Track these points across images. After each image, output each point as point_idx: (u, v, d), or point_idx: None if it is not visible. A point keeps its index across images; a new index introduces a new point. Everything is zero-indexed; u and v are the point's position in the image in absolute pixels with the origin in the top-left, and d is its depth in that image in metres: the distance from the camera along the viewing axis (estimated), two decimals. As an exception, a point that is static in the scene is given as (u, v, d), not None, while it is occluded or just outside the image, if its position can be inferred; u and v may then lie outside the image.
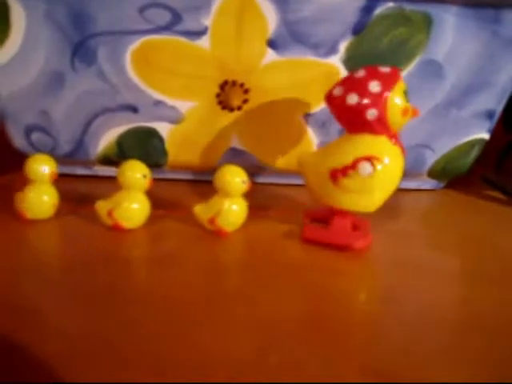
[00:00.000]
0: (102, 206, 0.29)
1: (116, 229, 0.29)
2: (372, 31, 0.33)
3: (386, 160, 0.27)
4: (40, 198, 0.29)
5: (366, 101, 0.26)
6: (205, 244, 0.28)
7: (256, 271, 0.26)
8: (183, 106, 0.34)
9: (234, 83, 0.33)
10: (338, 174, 0.27)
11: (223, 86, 0.33)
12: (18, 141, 0.35)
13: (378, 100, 0.26)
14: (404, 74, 0.34)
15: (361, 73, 0.27)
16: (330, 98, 0.28)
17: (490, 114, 0.36)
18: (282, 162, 0.36)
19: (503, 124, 0.42)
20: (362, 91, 0.26)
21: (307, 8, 0.31)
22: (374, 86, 0.26)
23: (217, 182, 0.29)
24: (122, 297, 0.22)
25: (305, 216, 0.32)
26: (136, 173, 0.29)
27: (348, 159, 0.27)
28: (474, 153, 0.38)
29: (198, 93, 0.34)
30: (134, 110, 0.34)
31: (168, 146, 0.35)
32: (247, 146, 0.36)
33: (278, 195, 0.37)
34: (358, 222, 0.30)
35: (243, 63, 0.33)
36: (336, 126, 0.35)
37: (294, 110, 0.35)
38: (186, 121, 0.34)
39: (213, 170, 0.29)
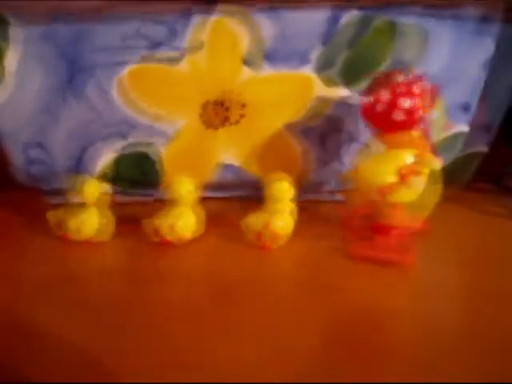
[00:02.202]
0: (149, 223, 0.31)
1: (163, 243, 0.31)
2: (340, 39, 0.34)
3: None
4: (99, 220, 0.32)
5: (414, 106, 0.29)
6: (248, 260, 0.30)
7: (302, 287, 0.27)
8: (170, 128, 0.36)
9: (214, 103, 0.35)
10: (407, 172, 0.29)
11: (205, 106, 0.35)
12: (18, 173, 0.37)
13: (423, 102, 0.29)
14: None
15: (400, 78, 0.31)
16: (398, 109, 0.29)
17: (465, 107, 0.37)
18: (269, 172, 0.38)
19: (504, 136, 0.42)
20: (411, 95, 0.29)
21: (276, 24, 0.34)
22: (417, 90, 0.30)
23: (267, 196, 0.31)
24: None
25: (348, 230, 0.32)
26: (185, 188, 0.31)
27: (409, 159, 0.30)
28: (458, 146, 0.39)
29: (182, 114, 0.36)
30: (124, 135, 0.36)
31: (160, 166, 0.37)
32: (236, 160, 0.37)
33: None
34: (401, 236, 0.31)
35: (221, 83, 0.35)
36: (317, 133, 0.37)
37: (274, 122, 0.36)
38: (174, 142, 0.37)
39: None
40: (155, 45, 0.34)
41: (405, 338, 0.22)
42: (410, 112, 0.29)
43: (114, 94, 0.35)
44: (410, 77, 0.31)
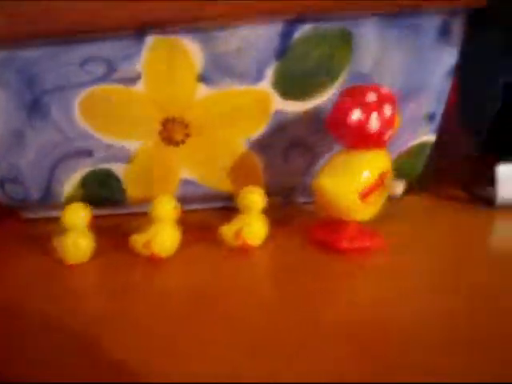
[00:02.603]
0: (137, 240, 0.32)
1: (153, 259, 0.32)
2: (295, 53, 0.34)
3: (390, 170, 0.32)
4: (79, 242, 0.32)
5: (383, 125, 0.30)
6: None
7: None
8: (132, 146, 0.37)
9: (173, 120, 0.36)
10: (368, 194, 0.30)
11: (164, 123, 0.36)
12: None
13: (391, 122, 0.30)
14: (334, 89, 0.35)
15: (372, 96, 0.30)
16: (348, 123, 0.30)
17: (430, 117, 0.37)
18: (231, 187, 0.38)
19: (483, 144, 0.41)
20: (382, 117, 0.30)
21: (230, 41, 0.34)
22: (388, 110, 0.30)
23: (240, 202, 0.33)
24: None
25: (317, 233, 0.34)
26: (167, 205, 0.32)
27: (372, 178, 0.30)
28: (424, 154, 0.38)
29: (142, 133, 0.36)
30: (89, 154, 0.37)
31: (125, 183, 0.38)
32: (197, 176, 0.38)
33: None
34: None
35: (178, 101, 0.35)
36: (279, 146, 0.37)
37: (234, 138, 0.36)
38: (136, 159, 0.37)
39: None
40: (112, 67, 0.34)
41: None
42: (377, 129, 0.30)
43: (77, 115, 0.36)
44: (379, 93, 0.31)
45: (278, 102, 0.35)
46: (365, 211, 0.31)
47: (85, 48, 0.34)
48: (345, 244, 0.32)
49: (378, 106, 0.30)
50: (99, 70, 0.35)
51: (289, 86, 0.35)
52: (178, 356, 0.22)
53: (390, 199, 0.33)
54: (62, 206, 0.39)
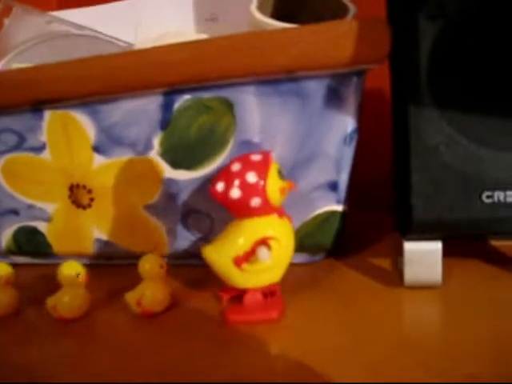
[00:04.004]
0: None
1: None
2: (178, 124, 0.34)
3: (279, 236, 0.30)
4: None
5: (247, 193, 0.29)
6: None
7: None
8: (48, 207, 0.39)
9: (77, 185, 0.38)
10: (241, 261, 0.29)
11: (71, 188, 0.38)
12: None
13: (258, 189, 0.29)
14: (223, 157, 0.34)
15: (237, 166, 0.30)
16: (214, 194, 0.30)
17: (332, 186, 0.34)
18: (139, 248, 0.39)
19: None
20: (242, 184, 0.29)
21: (115, 113, 0.35)
22: (251, 177, 0.29)
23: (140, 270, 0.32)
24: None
25: (222, 295, 0.33)
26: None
27: (247, 246, 0.29)
28: (333, 226, 0.35)
29: (55, 196, 0.39)
30: (16, 213, 0.40)
31: (49, 239, 0.41)
32: (107, 236, 0.39)
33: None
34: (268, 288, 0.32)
35: (79, 169, 0.37)
36: (176, 212, 0.37)
37: (133, 203, 0.37)
38: (54, 219, 0.40)
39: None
40: (21, 138, 0.37)
41: None
42: (238, 197, 0.29)
43: (1, 178, 0.39)
44: (245, 161, 0.30)
45: (168, 170, 0.36)
46: (246, 278, 0.30)
47: (-1, 121, 0.37)
48: (235, 316, 0.31)
49: (241, 174, 0.29)
50: (12, 140, 0.38)
51: (176, 156, 0.35)
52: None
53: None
54: (4, 255, 0.43)
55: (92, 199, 0.38)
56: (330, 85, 0.32)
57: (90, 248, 0.40)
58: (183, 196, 0.36)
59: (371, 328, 0.28)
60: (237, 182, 0.29)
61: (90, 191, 0.38)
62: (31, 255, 0.42)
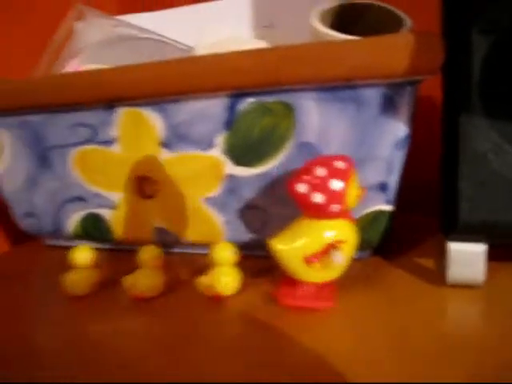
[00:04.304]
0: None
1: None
2: (241, 124, 0.37)
3: (348, 239, 0.32)
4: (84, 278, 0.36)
5: (328, 199, 0.30)
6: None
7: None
8: (114, 196, 0.43)
9: (144, 177, 0.41)
10: (312, 260, 0.32)
11: (137, 179, 0.41)
12: (21, 224, 0.48)
13: (339, 196, 0.30)
14: (282, 156, 0.37)
15: (321, 171, 0.31)
16: (293, 193, 0.32)
17: (382, 187, 0.36)
18: (196, 238, 0.42)
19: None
20: (325, 190, 0.30)
21: (182, 113, 0.38)
22: (335, 184, 0.30)
23: (213, 256, 0.35)
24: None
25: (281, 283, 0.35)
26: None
27: (318, 246, 0.31)
28: (381, 224, 0.38)
29: (121, 186, 0.42)
30: (83, 200, 0.44)
31: (112, 227, 0.44)
32: (167, 225, 0.42)
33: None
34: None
35: (145, 162, 0.40)
36: (234, 206, 0.39)
37: (194, 195, 0.40)
38: (119, 207, 0.43)
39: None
40: (94, 132, 0.41)
41: None
42: (320, 202, 0.30)
43: (72, 167, 0.43)
44: (330, 167, 0.31)
45: (230, 167, 0.38)
46: (312, 274, 0.32)
47: (73, 116, 0.41)
48: (289, 301, 0.33)
49: (325, 180, 0.31)
50: (86, 133, 0.41)
51: (238, 154, 0.38)
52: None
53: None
54: (70, 239, 0.47)
55: (156, 190, 0.41)
56: (385, 93, 0.34)
57: (150, 236, 0.43)
58: (242, 191, 0.39)
59: (413, 324, 0.30)
60: (320, 188, 0.30)
61: (154, 183, 0.41)
62: (95, 240, 0.46)
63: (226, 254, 0.34)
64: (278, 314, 0.32)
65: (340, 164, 0.31)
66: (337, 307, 0.32)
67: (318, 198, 0.30)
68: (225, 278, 0.34)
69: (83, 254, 0.37)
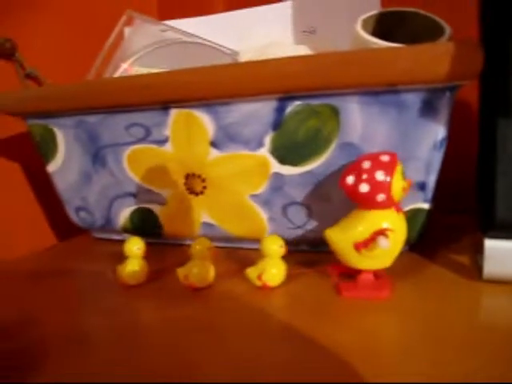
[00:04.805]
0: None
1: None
2: (288, 125, 0.39)
3: (395, 227, 0.34)
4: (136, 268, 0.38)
5: (374, 189, 0.33)
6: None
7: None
8: (165, 192, 0.45)
9: (193, 175, 0.43)
10: (361, 247, 0.34)
11: (187, 176, 0.44)
12: (73, 218, 0.51)
13: (384, 187, 0.33)
14: (326, 156, 0.39)
15: (367, 164, 0.34)
16: (344, 185, 0.35)
17: (421, 186, 0.38)
18: (242, 232, 0.44)
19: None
20: (371, 181, 0.33)
21: (232, 115, 0.40)
22: (380, 175, 0.33)
23: (262, 248, 0.37)
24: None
25: (332, 272, 0.38)
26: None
27: (367, 233, 0.34)
28: (419, 221, 0.40)
29: (171, 183, 0.45)
30: (134, 196, 0.47)
31: (161, 221, 0.47)
32: (214, 220, 0.45)
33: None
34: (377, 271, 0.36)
35: (196, 160, 0.43)
36: (279, 203, 0.42)
37: (241, 192, 0.43)
38: (168, 203, 0.46)
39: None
40: (148, 131, 0.43)
41: None
42: (366, 192, 0.33)
43: (125, 165, 0.46)
44: (375, 160, 0.34)
45: (276, 166, 0.41)
46: (363, 261, 0.35)
47: (128, 116, 0.44)
48: (344, 292, 0.35)
49: (371, 171, 0.33)
50: (139, 133, 0.44)
51: (284, 153, 0.40)
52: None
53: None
54: (119, 232, 0.50)
55: (205, 187, 0.44)
56: (425, 97, 0.36)
57: (197, 231, 0.46)
58: (287, 189, 0.41)
59: (448, 317, 0.31)
60: (366, 179, 0.33)
61: (203, 180, 0.43)
62: (144, 234, 0.48)
63: (273, 247, 0.36)
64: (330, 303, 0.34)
65: (385, 158, 0.34)
66: (388, 298, 0.34)
67: (365, 188, 0.33)
68: (272, 269, 0.36)
69: (136, 245, 0.39)
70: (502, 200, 0.35)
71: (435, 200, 0.40)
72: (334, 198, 0.40)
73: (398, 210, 0.34)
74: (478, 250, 0.38)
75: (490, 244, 0.36)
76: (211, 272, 0.37)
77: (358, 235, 0.34)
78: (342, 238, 0.34)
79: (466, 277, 0.38)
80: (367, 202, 0.34)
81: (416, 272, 0.39)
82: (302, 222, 0.42)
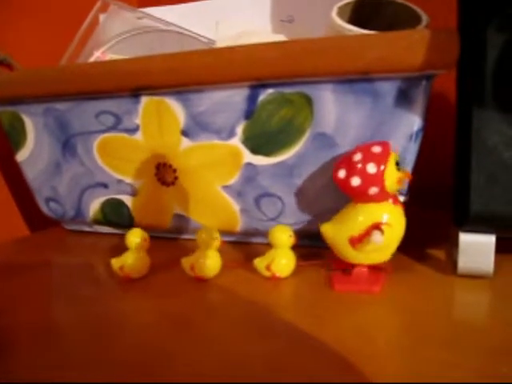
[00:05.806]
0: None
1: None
2: (260, 114, 0.38)
3: (392, 221, 0.33)
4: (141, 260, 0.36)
5: (366, 182, 0.32)
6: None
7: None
8: (136, 183, 0.44)
9: (164, 165, 0.42)
10: (356, 242, 0.33)
11: (158, 166, 0.43)
12: (43, 209, 0.50)
13: (376, 179, 0.32)
14: (299, 146, 0.38)
15: (358, 156, 0.33)
16: (336, 179, 0.34)
17: (396, 179, 0.37)
18: (214, 224, 0.43)
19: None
20: (362, 174, 0.32)
21: (204, 102, 0.39)
22: (371, 168, 0.32)
23: (270, 238, 0.36)
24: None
25: (333, 264, 0.37)
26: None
27: (361, 228, 0.33)
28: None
29: (142, 173, 0.44)
30: (105, 186, 0.46)
31: (132, 212, 0.46)
32: (185, 211, 0.44)
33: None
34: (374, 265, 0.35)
35: (167, 149, 0.42)
36: (251, 194, 0.41)
37: (212, 183, 0.42)
38: (139, 194, 0.45)
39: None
40: (118, 119, 0.42)
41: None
42: (358, 185, 0.32)
43: (95, 154, 0.44)
44: (366, 152, 0.33)
45: (248, 156, 0.40)
46: (355, 254, 0.34)
47: (98, 104, 0.42)
48: (337, 286, 0.34)
49: (362, 164, 0.32)
50: (109, 121, 0.43)
51: (257, 143, 0.39)
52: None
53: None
54: (91, 223, 0.49)
55: (176, 178, 0.43)
56: (401, 86, 0.35)
57: (168, 222, 0.45)
58: (259, 179, 0.40)
59: (422, 312, 0.30)
60: (357, 171, 0.32)
61: (174, 170, 0.42)
62: (114, 226, 0.47)
63: (283, 237, 0.35)
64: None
65: (376, 149, 0.33)
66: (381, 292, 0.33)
67: (356, 181, 0.32)
68: (282, 259, 0.35)
69: (137, 238, 0.36)
70: (476, 193, 0.34)
71: (411, 195, 0.39)
72: (308, 190, 0.39)
73: (395, 201, 0.33)
74: (454, 244, 0.37)
75: (465, 238, 0.35)
76: (218, 262, 0.36)
77: (354, 230, 0.33)
78: (338, 232, 0.34)
79: (440, 271, 0.37)
80: (360, 196, 0.33)
81: (392, 266, 0.38)
82: (275, 215, 0.41)
